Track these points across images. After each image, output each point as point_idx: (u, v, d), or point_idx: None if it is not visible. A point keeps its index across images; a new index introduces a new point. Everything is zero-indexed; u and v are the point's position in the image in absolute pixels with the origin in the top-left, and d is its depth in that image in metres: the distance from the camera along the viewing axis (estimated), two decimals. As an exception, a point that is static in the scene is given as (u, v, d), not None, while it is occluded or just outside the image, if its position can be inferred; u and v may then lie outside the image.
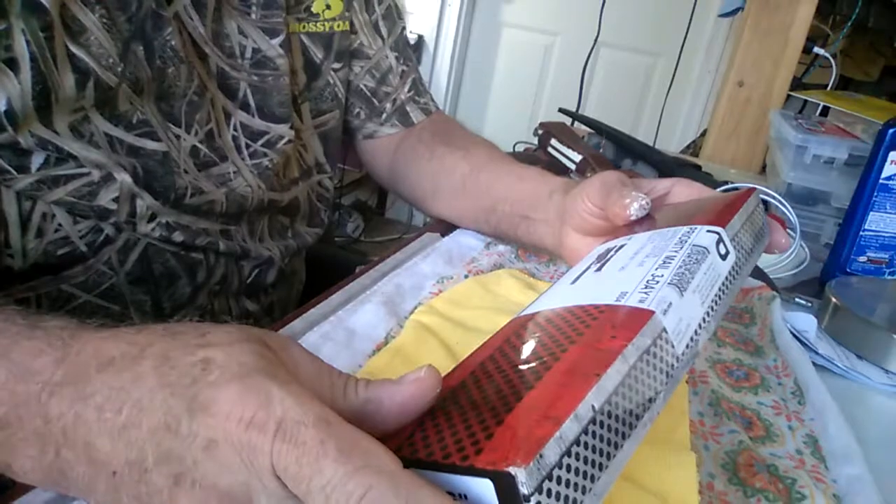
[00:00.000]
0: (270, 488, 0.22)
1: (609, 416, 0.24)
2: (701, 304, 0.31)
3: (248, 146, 0.55)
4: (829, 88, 1.29)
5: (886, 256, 0.70)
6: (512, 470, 0.20)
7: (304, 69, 0.61)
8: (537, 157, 1.00)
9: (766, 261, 0.72)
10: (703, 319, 0.31)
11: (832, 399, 0.44)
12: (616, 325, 0.27)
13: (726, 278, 0.34)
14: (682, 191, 0.45)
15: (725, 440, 0.39)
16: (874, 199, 0.68)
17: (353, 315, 0.48)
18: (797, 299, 0.64)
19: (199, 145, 0.50)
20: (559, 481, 0.21)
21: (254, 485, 0.22)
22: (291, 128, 0.58)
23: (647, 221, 0.42)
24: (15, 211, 0.43)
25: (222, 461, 0.22)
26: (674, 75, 2.09)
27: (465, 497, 0.22)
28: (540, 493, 0.20)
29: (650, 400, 0.26)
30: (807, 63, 1.32)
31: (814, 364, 0.49)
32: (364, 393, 0.25)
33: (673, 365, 0.28)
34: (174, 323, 0.27)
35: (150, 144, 0.47)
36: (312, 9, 0.60)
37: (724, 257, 0.34)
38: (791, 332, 0.53)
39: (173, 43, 0.47)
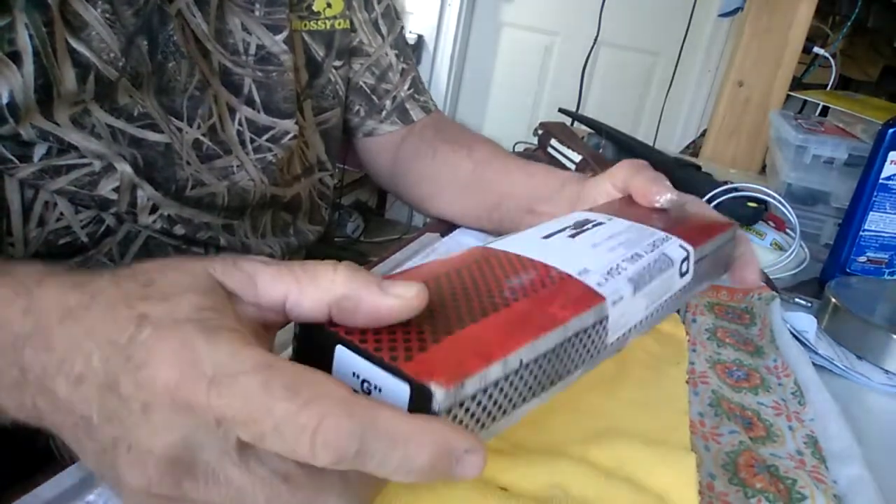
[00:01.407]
0: (214, 441, 0.22)
1: (530, 373, 0.26)
2: (645, 307, 0.33)
3: (252, 141, 0.55)
4: (828, 88, 1.29)
5: (886, 256, 0.70)
6: (433, 386, 0.22)
7: (306, 67, 0.61)
8: (537, 157, 1.00)
9: (766, 261, 0.72)
10: (640, 322, 0.33)
11: (832, 399, 0.44)
12: (569, 296, 0.29)
13: (675, 294, 0.36)
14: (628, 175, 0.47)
15: (726, 440, 0.39)
16: (874, 199, 0.68)
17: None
18: (797, 299, 0.64)
19: (201, 138, 0.51)
20: (466, 411, 0.23)
21: (197, 441, 0.22)
22: (296, 123, 0.58)
23: (634, 209, 0.43)
24: (17, 199, 0.44)
25: (158, 423, 0.22)
26: (674, 75, 2.09)
27: (379, 390, 0.23)
28: (447, 414, 0.22)
29: (568, 372, 0.29)
30: (806, 63, 1.32)
31: (813, 364, 0.49)
32: (343, 287, 0.25)
33: (599, 350, 0.30)
34: (128, 266, 0.26)
35: (152, 136, 0.47)
36: (314, 7, 0.60)
37: (682, 275, 0.36)
38: (791, 333, 0.53)
39: (175, 38, 0.47)
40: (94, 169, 0.45)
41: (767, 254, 0.74)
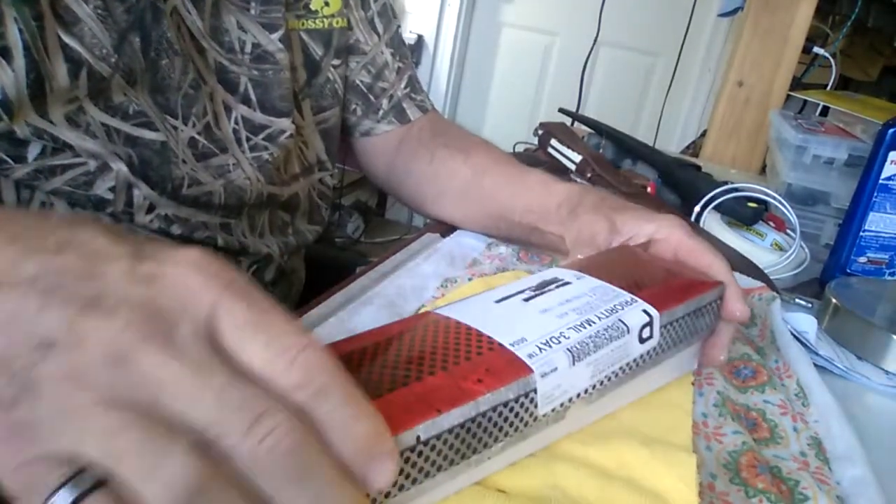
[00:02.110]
0: (200, 319, 0.22)
1: (432, 450, 0.25)
2: (591, 376, 0.33)
3: (248, 139, 0.55)
4: (828, 88, 1.29)
5: (886, 257, 0.70)
6: None
7: (304, 66, 0.61)
8: (537, 157, 1.00)
9: (766, 261, 0.72)
10: (587, 390, 0.33)
11: (835, 400, 0.44)
12: (491, 369, 0.28)
13: (636, 359, 0.35)
14: (678, 237, 0.46)
15: (728, 441, 0.39)
16: (874, 199, 0.68)
17: (355, 316, 0.48)
18: (797, 300, 0.64)
19: (197, 137, 0.51)
20: None
21: (190, 312, 0.22)
22: (293, 122, 0.58)
23: (625, 258, 0.44)
24: (13, 200, 0.44)
25: (160, 288, 0.22)
26: (673, 75, 2.09)
27: None
28: None
29: (485, 445, 0.28)
30: (806, 63, 1.32)
31: (814, 365, 0.49)
32: None
33: (527, 423, 0.30)
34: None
35: (148, 134, 0.47)
36: (311, 6, 0.60)
37: (643, 340, 0.36)
38: (791, 333, 0.53)
39: (169, 35, 0.47)
40: (89, 168, 0.44)
41: (767, 254, 0.74)
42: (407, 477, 0.25)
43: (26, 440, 0.20)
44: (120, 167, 0.46)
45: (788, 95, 1.20)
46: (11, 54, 0.38)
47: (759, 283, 0.62)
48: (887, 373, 0.53)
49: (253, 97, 0.55)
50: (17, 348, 0.21)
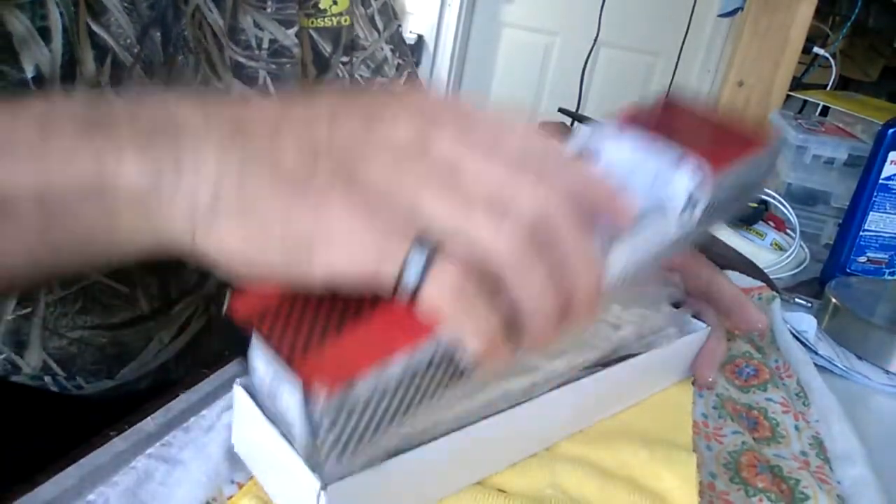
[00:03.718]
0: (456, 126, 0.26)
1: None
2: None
3: None
4: (828, 88, 1.29)
5: (886, 257, 0.70)
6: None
7: (314, 63, 0.62)
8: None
9: (766, 261, 0.72)
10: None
11: (835, 400, 0.44)
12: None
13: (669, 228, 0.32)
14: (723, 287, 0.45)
15: (728, 440, 0.39)
16: (874, 199, 0.68)
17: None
18: (797, 300, 0.64)
19: None
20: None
21: (426, 136, 0.25)
22: None
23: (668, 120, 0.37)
24: None
25: (424, 97, 0.27)
26: (674, 75, 2.09)
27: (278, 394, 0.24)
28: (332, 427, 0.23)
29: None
30: (806, 63, 1.32)
31: (814, 365, 0.49)
32: None
33: None
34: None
35: None
36: (320, 5, 0.61)
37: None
38: (791, 333, 0.53)
39: (186, 34, 0.48)
40: None
41: (767, 254, 0.74)
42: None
43: (372, 213, 0.24)
44: None
45: (788, 95, 1.20)
46: (51, 36, 0.40)
47: (759, 283, 0.62)
48: (887, 372, 0.53)
49: (271, 90, 0.56)
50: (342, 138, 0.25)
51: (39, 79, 0.40)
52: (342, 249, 0.24)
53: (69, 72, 0.41)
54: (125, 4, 0.44)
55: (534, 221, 0.24)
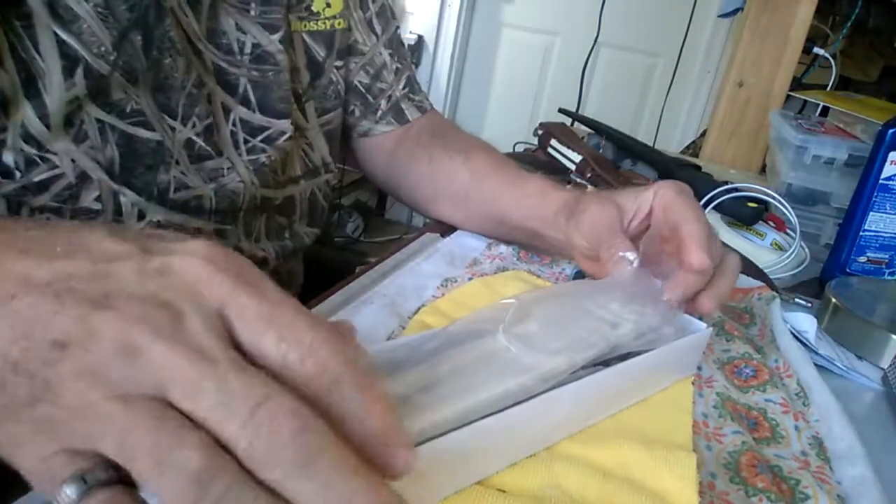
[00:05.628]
0: (210, 312, 0.22)
1: None
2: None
3: (246, 142, 0.55)
4: (828, 89, 1.29)
5: (886, 257, 0.70)
6: None
7: (307, 67, 0.61)
8: (537, 157, 1.00)
9: (765, 261, 0.72)
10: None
11: (835, 400, 0.44)
12: None
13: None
14: (666, 195, 0.48)
15: (728, 440, 0.39)
16: (874, 199, 0.68)
17: (355, 316, 0.48)
18: (797, 300, 0.64)
19: (195, 138, 0.50)
20: None
21: (200, 304, 0.22)
22: (292, 123, 0.58)
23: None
24: (6, 214, 0.44)
25: (169, 282, 0.22)
26: (674, 75, 2.09)
27: None
28: None
29: None
30: (806, 63, 1.32)
31: (814, 364, 0.49)
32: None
33: None
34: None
35: (143, 133, 0.47)
36: (313, 7, 0.60)
37: None
38: (791, 333, 0.53)
39: (171, 34, 0.47)
40: (70, 181, 0.44)
41: (767, 254, 0.74)
42: None
43: (48, 437, 0.21)
44: (101, 176, 0.45)
45: (788, 96, 1.20)
46: (1, 56, 0.39)
47: (758, 283, 0.62)
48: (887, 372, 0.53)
49: (252, 98, 0.55)
50: (35, 350, 0.21)
51: (3, 101, 0.39)
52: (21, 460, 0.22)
53: (31, 88, 0.40)
54: (99, 10, 0.42)
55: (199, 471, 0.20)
